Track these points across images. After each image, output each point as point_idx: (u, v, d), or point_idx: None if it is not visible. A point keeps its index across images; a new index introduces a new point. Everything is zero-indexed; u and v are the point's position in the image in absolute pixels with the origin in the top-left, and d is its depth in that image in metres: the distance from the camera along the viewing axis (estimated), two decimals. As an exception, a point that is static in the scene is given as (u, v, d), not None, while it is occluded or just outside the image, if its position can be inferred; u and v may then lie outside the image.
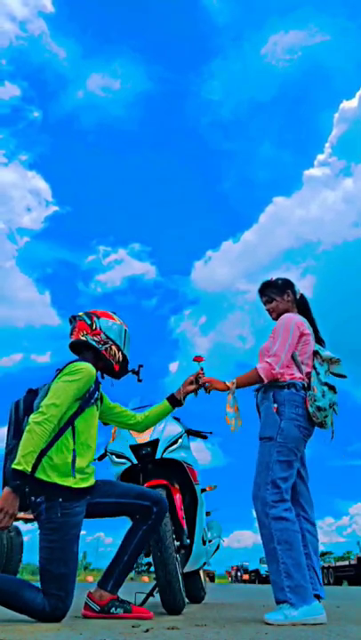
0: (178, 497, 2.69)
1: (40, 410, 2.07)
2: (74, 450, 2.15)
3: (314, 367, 2.44)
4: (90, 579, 27.14)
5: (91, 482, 2.22)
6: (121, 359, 2.44)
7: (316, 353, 2.48)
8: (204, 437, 3.28)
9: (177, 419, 3.06)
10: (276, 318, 2.61)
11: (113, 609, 2.20)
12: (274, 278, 2.67)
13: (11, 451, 2.15)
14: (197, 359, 2.55)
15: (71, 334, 2.43)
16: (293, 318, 2.46)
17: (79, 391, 2.18)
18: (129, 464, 2.78)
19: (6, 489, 1.95)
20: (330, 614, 2.53)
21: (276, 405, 2.34)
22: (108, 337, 2.39)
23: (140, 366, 2.59)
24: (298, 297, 2.63)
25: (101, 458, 2.93)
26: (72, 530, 2.09)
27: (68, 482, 2.10)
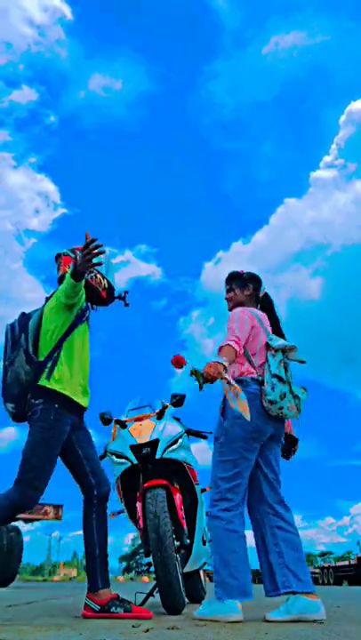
0: (178, 497, 2.69)
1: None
2: (68, 357, 2.35)
3: (266, 360, 2.40)
4: (90, 578, 27.10)
5: (84, 400, 2.41)
6: (107, 286, 2.65)
7: (267, 345, 2.43)
8: (205, 437, 3.27)
9: (177, 419, 3.05)
10: (230, 309, 2.66)
11: (113, 608, 2.21)
12: (244, 272, 2.73)
13: (12, 362, 2.36)
14: (178, 363, 2.30)
15: (58, 270, 2.62)
16: (244, 311, 2.50)
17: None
18: (129, 464, 2.78)
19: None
20: (330, 614, 2.52)
21: (222, 406, 2.39)
22: None
23: (126, 292, 2.74)
24: (262, 294, 2.69)
25: (101, 458, 2.93)
26: (60, 434, 2.25)
27: (66, 390, 2.30)
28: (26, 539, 9.16)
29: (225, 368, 2.17)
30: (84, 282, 2.30)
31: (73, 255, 2.55)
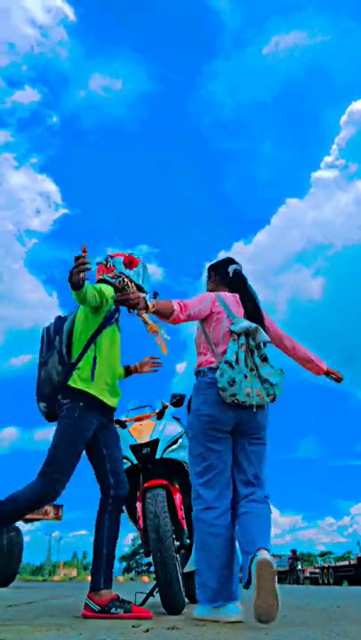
0: (178, 497, 2.69)
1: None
2: (95, 357, 2.42)
3: (227, 346, 2.27)
4: (90, 579, 27.10)
5: (112, 400, 2.47)
6: (135, 290, 2.69)
7: (230, 331, 2.30)
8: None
9: (177, 419, 3.06)
10: None
11: (113, 609, 2.22)
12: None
13: (46, 362, 2.49)
14: (130, 264, 2.60)
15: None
16: (209, 293, 2.49)
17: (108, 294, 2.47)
18: (129, 464, 2.78)
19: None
20: (330, 614, 2.52)
21: (188, 403, 2.40)
22: (120, 272, 2.66)
23: (156, 294, 2.70)
24: (231, 274, 2.56)
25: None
26: (85, 432, 2.33)
27: (91, 389, 2.37)
28: (26, 539, 9.14)
29: (147, 307, 2.17)
30: (85, 289, 2.27)
31: (105, 262, 2.69)
